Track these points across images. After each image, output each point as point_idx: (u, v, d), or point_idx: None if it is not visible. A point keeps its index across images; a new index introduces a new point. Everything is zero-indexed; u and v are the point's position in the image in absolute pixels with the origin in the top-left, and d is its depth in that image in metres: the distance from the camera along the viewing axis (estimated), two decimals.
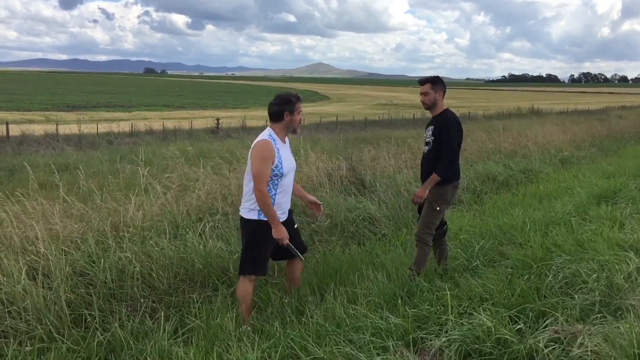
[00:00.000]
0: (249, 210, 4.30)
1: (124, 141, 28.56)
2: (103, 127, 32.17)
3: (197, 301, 4.56)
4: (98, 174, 8.27)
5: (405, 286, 4.77)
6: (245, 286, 4.33)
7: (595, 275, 4.62)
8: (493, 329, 3.68)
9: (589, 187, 9.63)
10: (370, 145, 11.14)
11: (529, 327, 3.93)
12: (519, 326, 3.89)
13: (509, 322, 3.91)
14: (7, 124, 27.69)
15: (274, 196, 4.28)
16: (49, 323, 3.90)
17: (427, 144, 5.26)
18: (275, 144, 4.25)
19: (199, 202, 6.32)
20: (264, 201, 4.16)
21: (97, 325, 4.09)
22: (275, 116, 4.32)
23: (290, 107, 4.28)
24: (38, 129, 30.15)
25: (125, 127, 32.89)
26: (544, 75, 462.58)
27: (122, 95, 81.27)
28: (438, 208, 5.14)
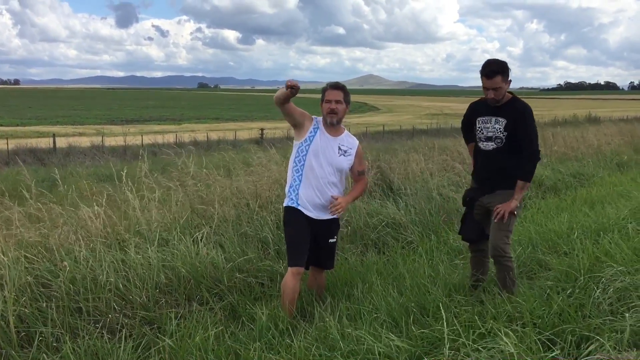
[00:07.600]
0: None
1: (166, 152, 28.56)
2: (149, 139, 32.36)
3: (177, 317, 3.94)
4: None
5: (419, 302, 4.02)
6: (286, 278, 4.09)
7: None
8: (516, 357, 2.90)
9: None
10: (414, 152, 10.26)
11: (567, 354, 3.14)
12: (553, 353, 3.10)
13: (540, 348, 3.12)
14: (53, 135, 28.18)
15: (298, 180, 4.13)
16: None
17: (490, 139, 4.27)
18: (317, 124, 4.18)
19: (197, 206, 5.73)
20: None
21: (49, 344, 3.51)
22: None
23: (322, 96, 4.21)
24: (85, 141, 30.59)
25: (170, 138, 33.02)
26: (602, 83, 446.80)
27: (175, 109, 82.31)
28: (516, 212, 4.30)
